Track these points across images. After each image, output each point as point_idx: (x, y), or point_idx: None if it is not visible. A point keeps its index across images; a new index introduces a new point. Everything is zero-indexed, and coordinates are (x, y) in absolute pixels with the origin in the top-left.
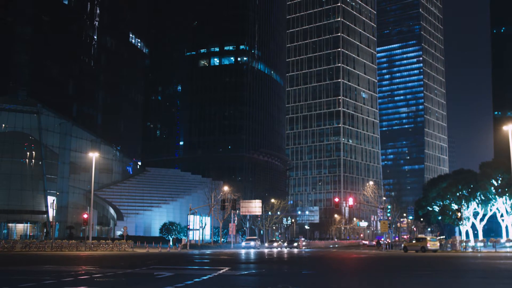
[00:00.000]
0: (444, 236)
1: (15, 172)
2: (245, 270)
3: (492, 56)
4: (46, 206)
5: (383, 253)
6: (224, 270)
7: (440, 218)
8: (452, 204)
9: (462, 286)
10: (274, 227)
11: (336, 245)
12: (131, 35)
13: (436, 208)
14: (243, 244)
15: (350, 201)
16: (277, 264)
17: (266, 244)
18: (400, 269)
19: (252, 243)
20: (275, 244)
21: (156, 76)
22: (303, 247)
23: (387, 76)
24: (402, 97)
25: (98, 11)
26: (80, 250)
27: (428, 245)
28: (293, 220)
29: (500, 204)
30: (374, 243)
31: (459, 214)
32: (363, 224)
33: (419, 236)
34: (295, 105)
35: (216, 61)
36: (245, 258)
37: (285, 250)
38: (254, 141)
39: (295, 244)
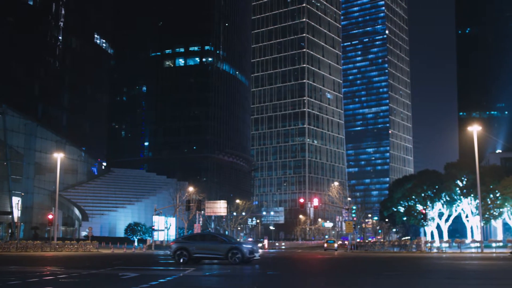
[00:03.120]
0: (409, 237)
1: None
2: (210, 271)
3: (457, 57)
4: (11, 207)
5: (348, 253)
6: (189, 271)
7: (405, 218)
8: (417, 205)
9: (428, 286)
10: (239, 228)
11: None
12: (96, 35)
13: (401, 209)
14: None
15: (315, 201)
16: (243, 265)
17: None
18: (366, 270)
19: None
20: None
21: (121, 76)
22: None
23: (352, 77)
24: (367, 97)
25: (63, 12)
26: (45, 250)
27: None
28: (258, 221)
29: (465, 205)
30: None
31: (424, 214)
32: (328, 224)
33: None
34: (260, 105)
35: (181, 61)
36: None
37: None
38: (219, 141)
39: (260, 244)
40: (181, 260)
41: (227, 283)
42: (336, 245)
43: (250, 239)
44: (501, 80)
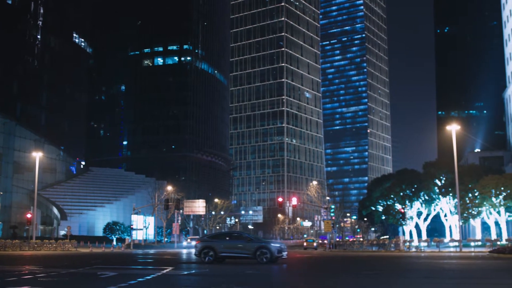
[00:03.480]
0: (388, 236)
1: None
2: (188, 270)
3: (436, 56)
4: None
5: (326, 253)
6: (167, 270)
7: (383, 218)
8: (396, 204)
9: (406, 286)
10: (218, 227)
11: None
12: (75, 34)
13: (380, 208)
14: (184, 243)
15: (294, 201)
16: (220, 264)
17: None
18: (345, 269)
19: (193, 243)
20: None
21: (100, 76)
22: None
23: (331, 76)
24: (345, 97)
25: (42, 11)
26: (24, 249)
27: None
28: (236, 220)
29: (443, 204)
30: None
31: (402, 213)
32: (307, 224)
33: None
34: (238, 104)
35: (160, 61)
36: (188, 257)
37: None
38: (197, 141)
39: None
40: (207, 259)
41: (206, 282)
42: (315, 244)
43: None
44: (479, 79)
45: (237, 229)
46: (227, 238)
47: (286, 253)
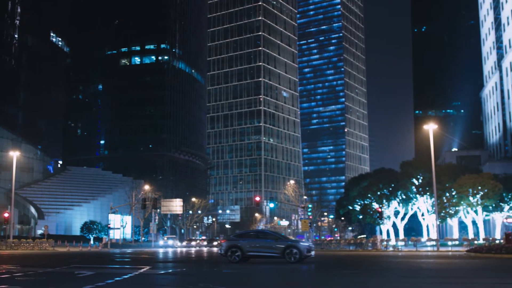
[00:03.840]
0: (365, 235)
1: None
2: (166, 269)
3: (413, 55)
4: None
5: None
6: (145, 269)
7: (361, 217)
8: (373, 203)
9: (385, 285)
10: (195, 226)
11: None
12: (52, 34)
13: (357, 207)
14: (161, 243)
15: (271, 200)
16: (198, 263)
17: (184, 243)
18: (323, 268)
19: (170, 242)
20: (193, 243)
21: (77, 75)
22: None
23: (308, 75)
24: (323, 96)
25: (19, 10)
26: (1, 249)
27: None
28: (214, 219)
29: (421, 203)
30: None
31: (380, 213)
32: (284, 223)
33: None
34: (216, 104)
35: (137, 60)
36: (166, 257)
37: (205, 249)
38: (175, 140)
39: (215, 243)
40: (233, 259)
41: (183, 281)
42: None
43: (203, 238)
44: (457, 79)
45: (214, 228)
46: (254, 237)
47: (314, 252)
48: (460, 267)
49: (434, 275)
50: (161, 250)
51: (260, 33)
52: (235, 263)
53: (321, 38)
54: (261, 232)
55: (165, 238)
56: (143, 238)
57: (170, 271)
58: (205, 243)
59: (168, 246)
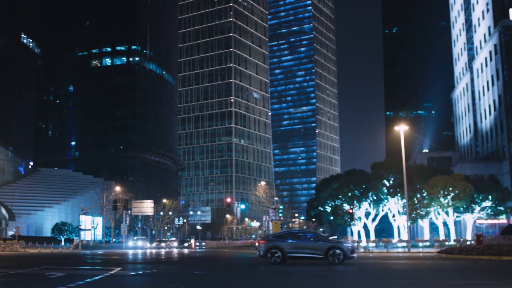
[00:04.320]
0: (336, 236)
1: None
2: (137, 270)
3: (384, 56)
4: None
5: None
6: (116, 270)
7: (332, 218)
8: (344, 204)
9: (354, 286)
10: (166, 227)
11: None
12: (23, 35)
13: (328, 208)
14: (130, 244)
15: (242, 201)
16: (169, 265)
17: (154, 244)
18: (294, 269)
19: (139, 243)
20: (163, 244)
21: (48, 76)
22: (197, 247)
23: (279, 77)
24: (294, 97)
25: None
26: None
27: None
28: (185, 220)
29: (392, 205)
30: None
31: (350, 214)
32: (255, 224)
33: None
34: (187, 105)
35: (108, 61)
36: (137, 258)
37: (175, 250)
38: (146, 141)
39: (186, 244)
40: (274, 260)
41: (153, 282)
42: None
43: (173, 239)
44: (428, 80)
45: (185, 229)
46: (294, 238)
47: (356, 254)
48: (431, 269)
49: (406, 276)
50: (130, 252)
51: (231, 34)
52: (276, 264)
53: (292, 40)
54: (301, 232)
55: (135, 239)
56: (114, 240)
57: (140, 272)
58: (175, 244)
59: (137, 247)
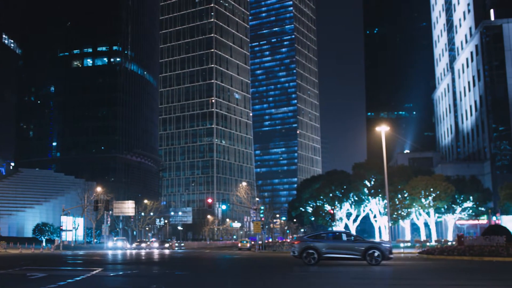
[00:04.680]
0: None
1: None
2: (118, 271)
3: (365, 57)
4: None
5: (256, 254)
6: (97, 271)
7: (313, 219)
8: (325, 205)
9: (335, 286)
10: (147, 228)
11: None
12: (4, 35)
13: (309, 209)
14: (110, 244)
15: (223, 202)
16: (151, 265)
17: (134, 245)
18: (273, 269)
19: (119, 244)
20: (143, 244)
21: (29, 76)
22: (176, 248)
23: (260, 77)
24: (275, 98)
25: None
26: None
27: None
28: (166, 221)
29: (373, 205)
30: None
31: (332, 214)
32: (236, 225)
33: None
34: (168, 106)
35: (89, 62)
36: (118, 259)
37: (156, 251)
38: (127, 142)
39: (167, 245)
40: (308, 261)
41: (135, 282)
42: (249, 245)
43: (154, 239)
44: (409, 81)
45: (166, 230)
46: (329, 238)
47: (393, 255)
48: (413, 269)
49: (387, 277)
50: (110, 252)
51: (212, 35)
52: (311, 265)
53: (273, 40)
54: (338, 233)
55: (114, 240)
56: (95, 240)
57: (121, 273)
58: (156, 244)
59: (117, 248)
